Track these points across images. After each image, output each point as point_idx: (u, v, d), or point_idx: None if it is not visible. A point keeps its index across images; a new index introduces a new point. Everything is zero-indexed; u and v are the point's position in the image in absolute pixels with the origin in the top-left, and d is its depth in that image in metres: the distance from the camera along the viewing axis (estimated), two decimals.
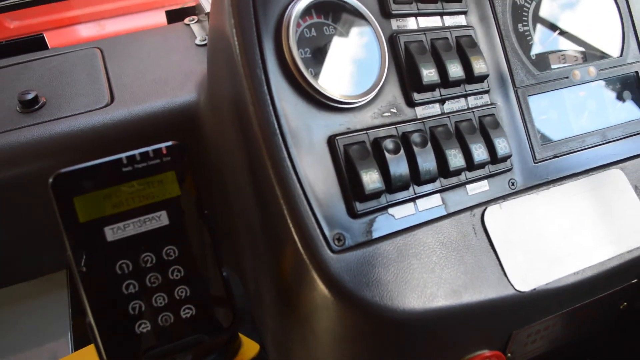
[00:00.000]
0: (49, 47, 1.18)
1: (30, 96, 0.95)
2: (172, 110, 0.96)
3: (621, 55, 0.94)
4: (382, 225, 0.70)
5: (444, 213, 0.75)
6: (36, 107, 0.95)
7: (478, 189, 0.79)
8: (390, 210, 0.71)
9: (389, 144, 0.70)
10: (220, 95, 0.78)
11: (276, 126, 0.65)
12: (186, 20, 1.19)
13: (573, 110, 0.89)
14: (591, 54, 0.93)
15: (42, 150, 0.88)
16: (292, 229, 0.65)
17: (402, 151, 0.71)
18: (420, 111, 0.76)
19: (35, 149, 0.88)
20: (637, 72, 0.95)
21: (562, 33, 0.91)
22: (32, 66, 1.07)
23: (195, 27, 1.16)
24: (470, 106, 0.80)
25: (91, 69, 1.06)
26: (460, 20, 0.83)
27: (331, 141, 0.68)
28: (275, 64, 0.67)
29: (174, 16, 1.22)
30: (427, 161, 0.72)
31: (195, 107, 0.94)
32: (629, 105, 0.93)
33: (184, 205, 0.69)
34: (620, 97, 0.93)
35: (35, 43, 1.16)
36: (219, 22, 0.71)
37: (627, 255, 0.84)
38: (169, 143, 0.68)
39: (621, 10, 0.95)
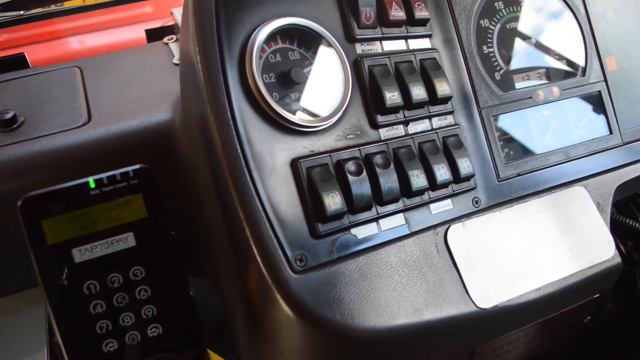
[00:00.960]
0: (30, 65, 1.19)
1: (8, 115, 0.96)
2: (147, 129, 0.97)
3: (584, 75, 0.97)
4: (345, 245, 0.72)
5: (407, 232, 0.77)
6: (14, 126, 0.96)
7: (441, 208, 0.81)
8: (353, 231, 0.73)
9: (351, 165, 0.72)
10: (190, 115, 0.80)
11: (239, 150, 0.67)
12: (165, 39, 1.21)
13: (537, 129, 0.91)
14: (555, 74, 0.95)
15: (19, 169, 0.90)
16: (255, 251, 0.67)
17: (364, 173, 0.73)
18: (384, 133, 0.78)
19: (13, 168, 0.90)
20: (599, 91, 0.97)
21: (527, 54, 0.93)
22: (12, 85, 1.09)
23: (173, 46, 1.19)
24: (434, 127, 0.83)
25: (70, 88, 1.07)
26: (425, 43, 0.85)
27: (294, 164, 0.70)
28: (239, 89, 0.70)
29: (154, 35, 1.24)
30: (389, 182, 0.75)
31: (171, 126, 0.95)
32: (592, 123, 0.96)
33: (151, 227, 0.71)
34: (583, 116, 0.95)
35: (16, 62, 1.18)
36: (185, 46, 0.73)
37: (588, 271, 0.87)
38: (137, 166, 0.70)
39: (584, 31, 0.98)
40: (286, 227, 0.69)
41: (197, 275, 1.00)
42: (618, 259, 0.89)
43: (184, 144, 0.91)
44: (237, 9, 0.71)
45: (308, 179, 0.70)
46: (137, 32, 1.43)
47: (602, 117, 0.97)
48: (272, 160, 0.70)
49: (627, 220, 1.09)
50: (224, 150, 0.67)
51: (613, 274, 0.89)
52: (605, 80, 0.98)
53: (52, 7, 1.50)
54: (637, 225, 1.08)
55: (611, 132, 0.97)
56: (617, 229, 1.12)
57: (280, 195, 0.69)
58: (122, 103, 1.03)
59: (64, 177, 0.73)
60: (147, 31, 1.23)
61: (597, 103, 0.97)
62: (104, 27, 1.64)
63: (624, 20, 1.02)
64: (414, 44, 0.84)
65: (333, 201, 0.70)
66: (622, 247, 1.10)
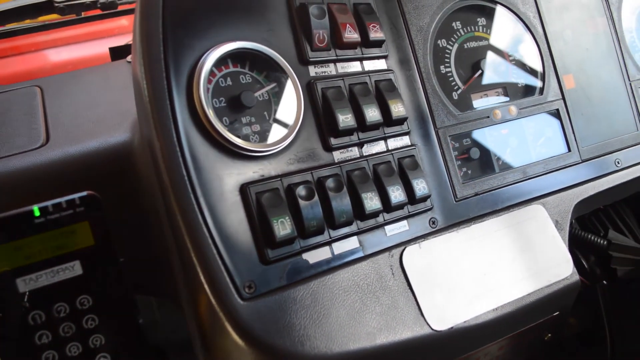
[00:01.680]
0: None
1: None
2: (106, 150, 0.96)
3: (542, 94, 0.97)
4: (296, 270, 0.71)
5: (361, 255, 0.77)
6: None
7: (397, 230, 0.81)
8: (305, 255, 0.73)
9: (301, 190, 0.72)
10: (143, 138, 0.79)
11: (185, 177, 0.67)
12: (128, 58, 1.20)
13: (495, 148, 0.91)
14: (513, 93, 0.96)
15: None
16: (202, 279, 0.67)
17: (316, 197, 0.73)
18: (338, 155, 0.78)
19: None
20: (557, 109, 0.98)
21: (484, 74, 0.93)
22: None
23: None
24: (389, 148, 0.82)
25: (30, 108, 1.06)
26: (381, 64, 0.85)
27: (243, 189, 0.70)
28: (187, 115, 0.69)
29: (118, 53, 1.24)
30: (341, 205, 0.74)
31: (130, 147, 0.95)
32: (550, 141, 0.96)
33: (98, 255, 0.70)
34: (541, 134, 0.96)
35: None
36: (134, 71, 0.72)
37: (546, 290, 0.87)
38: (83, 193, 0.70)
39: (541, 50, 0.99)
40: (235, 254, 0.68)
41: (164, 297, 0.99)
42: (576, 277, 0.89)
43: (141, 165, 0.90)
44: (185, 34, 0.71)
45: (257, 205, 0.70)
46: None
47: (560, 135, 0.98)
48: (221, 186, 0.69)
49: (589, 236, 1.10)
50: (169, 177, 0.67)
51: (572, 291, 0.89)
52: (564, 98, 0.99)
53: (26, 23, 1.48)
54: (598, 240, 1.09)
55: (569, 150, 0.97)
56: (580, 245, 1.13)
57: (229, 221, 0.69)
58: (82, 124, 1.02)
59: (20, 200, 0.73)
60: (112, 49, 1.23)
61: (555, 121, 0.98)
62: (68, 42, 1.63)
63: (582, 38, 1.03)
64: (369, 65, 0.84)
65: (282, 227, 0.69)
66: (584, 263, 1.11)
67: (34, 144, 0.96)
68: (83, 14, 1.35)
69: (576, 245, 1.14)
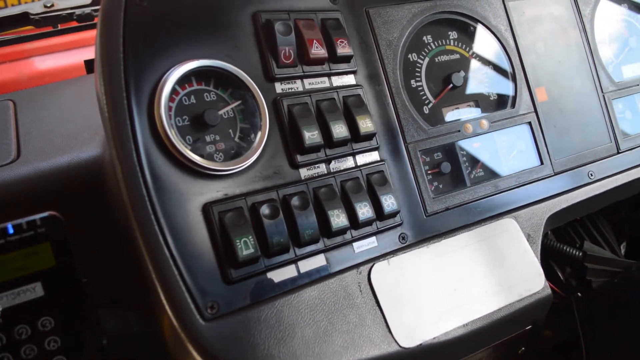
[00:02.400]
0: None
1: None
2: (78, 165, 0.96)
3: (514, 107, 0.97)
4: (260, 290, 0.71)
5: (328, 272, 0.77)
6: None
7: (365, 246, 0.80)
8: (270, 274, 0.72)
9: (265, 209, 0.72)
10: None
11: (145, 197, 0.66)
12: None
13: (466, 162, 0.91)
14: (485, 107, 0.96)
15: None
16: (163, 299, 0.66)
17: (280, 215, 0.72)
18: (305, 172, 0.78)
19: None
20: (529, 122, 0.98)
21: (456, 87, 0.93)
22: None
23: None
24: (358, 164, 0.82)
25: (2, 122, 1.06)
26: (349, 79, 0.85)
27: (206, 209, 0.69)
28: (148, 134, 0.68)
29: (92, 66, 1.22)
30: (307, 223, 0.74)
31: (101, 162, 0.94)
32: (522, 154, 0.96)
33: (60, 276, 0.69)
34: (513, 147, 0.96)
35: None
36: (96, 91, 0.72)
37: (518, 304, 0.86)
38: (45, 214, 0.69)
39: (513, 64, 0.99)
40: (197, 275, 0.67)
41: (140, 311, 0.98)
42: (548, 291, 0.89)
43: (111, 181, 0.89)
44: (147, 52, 0.71)
45: (220, 224, 0.69)
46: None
47: (532, 148, 0.97)
48: (184, 206, 0.69)
49: (565, 247, 1.10)
50: (129, 197, 0.66)
51: (544, 305, 0.89)
52: (536, 111, 0.99)
53: (2, 36, 1.47)
54: (574, 252, 1.09)
55: (542, 163, 0.97)
56: (556, 256, 1.13)
57: (191, 242, 0.68)
58: (54, 138, 1.01)
59: None
60: (86, 62, 1.22)
61: (527, 134, 0.98)
62: (58, 49, 1.62)
63: (554, 50, 1.03)
64: (338, 80, 0.84)
65: (245, 246, 0.69)
66: (560, 274, 1.11)
67: (5, 160, 0.95)
68: (59, 26, 1.34)
69: (552, 257, 1.14)
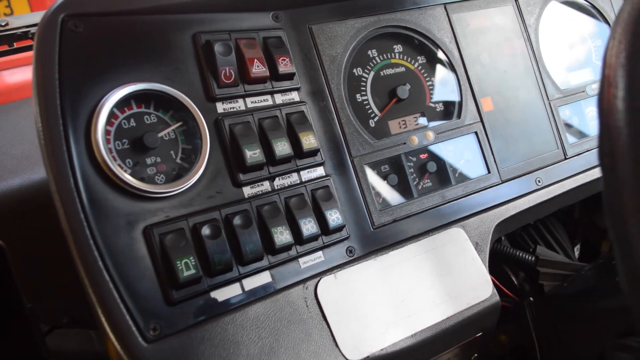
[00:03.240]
0: None
1: None
2: (29, 187, 0.96)
3: (459, 118, 0.99)
4: (203, 309, 0.72)
5: (274, 289, 0.77)
6: None
7: (312, 261, 0.81)
8: (213, 294, 0.73)
9: (206, 229, 0.72)
10: None
11: (84, 221, 0.67)
12: None
13: (413, 174, 0.93)
14: (431, 118, 0.97)
15: None
16: (105, 323, 0.66)
17: (222, 235, 0.73)
18: (248, 190, 0.79)
19: None
20: (476, 132, 0.99)
21: (402, 100, 0.95)
22: None
23: None
24: (303, 180, 0.83)
25: None
26: (293, 96, 0.86)
27: (147, 232, 0.70)
28: (85, 158, 0.69)
29: None
30: (250, 242, 0.75)
31: None
32: (469, 164, 0.98)
33: (2, 302, 0.69)
34: (460, 158, 0.97)
35: None
36: (33, 112, 0.72)
37: (466, 312, 0.88)
38: None
39: (458, 75, 1.00)
40: (139, 297, 0.68)
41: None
42: (496, 298, 0.90)
43: None
44: (84, 79, 0.71)
45: (161, 246, 0.70)
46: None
47: (479, 157, 0.99)
48: (124, 229, 0.69)
49: (518, 252, 1.12)
50: (68, 222, 0.66)
51: (492, 312, 0.91)
52: (482, 120, 1.00)
53: None
54: (526, 256, 1.11)
55: (489, 172, 0.99)
56: (510, 262, 1.15)
57: (132, 265, 0.69)
58: (6, 160, 1.01)
59: None
60: None
61: (474, 144, 0.99)
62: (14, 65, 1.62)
63: (499, 60, 1.05)
64: (280, 98, 0.85)
65: (186, 267, 0.69)
66: (514, 279, 1.13)
67: None
68: (15, 44, 1.34)
69: (506, 262, 1.16)
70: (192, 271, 0.70)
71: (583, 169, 1.08)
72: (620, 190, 0.46)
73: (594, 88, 1.14)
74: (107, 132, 0.71)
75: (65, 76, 0.70)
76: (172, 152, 0.76)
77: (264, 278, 0.77)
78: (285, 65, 0.84)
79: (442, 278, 0.89)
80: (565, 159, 1.08)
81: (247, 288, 0.76)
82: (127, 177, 0.69)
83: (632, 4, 0.52)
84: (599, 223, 1.31)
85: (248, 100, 0.82)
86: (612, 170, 0.47)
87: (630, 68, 0.49)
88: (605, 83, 0.50)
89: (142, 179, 0.72)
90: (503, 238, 1.19)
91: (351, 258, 0.85)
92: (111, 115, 0.72)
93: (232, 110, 0.80)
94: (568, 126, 1.10)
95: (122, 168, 0.70)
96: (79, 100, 0.70)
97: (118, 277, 0.67)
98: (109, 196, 0.69)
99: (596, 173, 1.09)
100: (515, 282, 1.13)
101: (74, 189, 0.67)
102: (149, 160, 0.74)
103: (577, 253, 1.28)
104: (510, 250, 1.13)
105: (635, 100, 0.47)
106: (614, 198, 0.47)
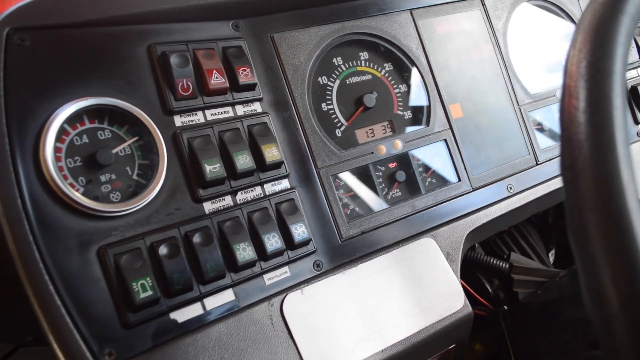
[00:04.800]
0: None
1: None
2: None
3: (428, 125, 0.97)
4: (162, 331, 0.69)
5: (238, 307, 0.75)
6: None
7: (277, 277, 0.79)
8: (172, 315, 0.70)
9: (164, 248, 0.70)
10: None
11: (32, 245, 0.64)
12: None
13: (382, 184, 0.91)
14: (399, 126, 0.96)
15: None
16: (57, 349, 0.63)
17: (181, 253, 0.70)
18: (209, 206, 0.76)
19: None
20: (445, 139, 0.98)
21: (368, 108, 0.93)
22: None
23: None
24: (267, 193, 0.81)
25: None
26: (255, 107, 0.83)
27: (101, 252, 0.67)
28: (34, 178, 0.66)
29: None
30: (211, 259, 0.72)
31: None
32: (438, 173, 0.96)
33: None
34: (430, 166, 0.96)
35: None
36: None
37: (438, 325, 0.86)
38: None
39: (426, 82, 0.99)
40: (93, 321, 0.65)
41: None
42: (468, 309, 0.89)
43: None
44: (32, 93, 0.68)
45: (115, 268, 0.67)
46: None
47: (449, 165, 0.98)
48: (77, 251, 0.66)
49: (492, 260, 1.10)
50: (15, 246, 0.63)
51: (465, 323, 0.89)
52: (451, 127, 0.99)
53: None
54: (500, 264, 1.10)
55: (460, 180, 0.98)
56: (484, 270, 1.13)
57: (86, 288, 0.66)
58: None
59: None
60: None
61: (444, 151, 0.98)
62: None
63: (468, 67, 1.04)
64: (242, 109, 0.82)
65: (143, 289, 0.67)
66: (488, 288, 1.11)
67: None
68: None
69: (480, 270, 1.14)
70: (149, 292, 0.67)
71: (555, 174, 1.07)
72: (581, 205, 0.45)
73: None
74: (57, 150, 0.68)
75: (12, 91, 0.67)
76: (127, 168, 0.73)
77: (226, 296, 0.75)
78: (246, 76, 0.81)
79: (412, 290, 0.87)
80: (537, 164, 1.07)
81: (208, 307, 0.73)
82: (78, 196, 0.67)
83: (593, 11, 0.51)
84: None
85: (207, 112, 0.79)
86: (573, 183, 0.45)
87: (590, 78, 0.47)
88: (566, 93, 0.48)
89: (95, 198, 0.69)
90: (477, 245, 1.18)
91: (318, 272, 0.82)
92: (62, 132, 0.69)
93: (190, 123, 0.78)
94: (539, 131, 1.09)
95: (73, 187, 0.67)
96: (27, 116, 0.67)
97: (70, 301, 0.64)
98: (60, 217, 0.66)
99: None
100: (490, 290, 1.12)
101: (21, 209, 0.64)
102: (103, 178, 0.71)
103: (552, 258, 1.26)
104: (484, 257, 1.11)
105: (596, 113, 0.46)
106: (575, 213, 0.45)
